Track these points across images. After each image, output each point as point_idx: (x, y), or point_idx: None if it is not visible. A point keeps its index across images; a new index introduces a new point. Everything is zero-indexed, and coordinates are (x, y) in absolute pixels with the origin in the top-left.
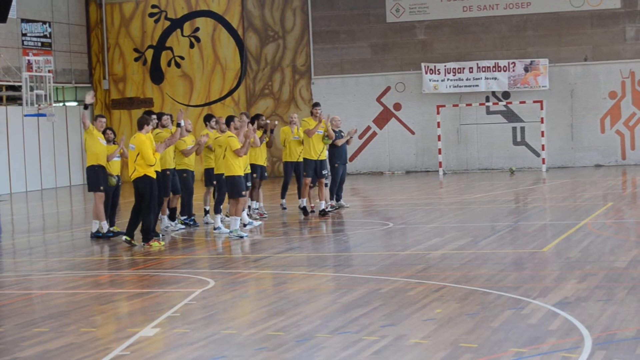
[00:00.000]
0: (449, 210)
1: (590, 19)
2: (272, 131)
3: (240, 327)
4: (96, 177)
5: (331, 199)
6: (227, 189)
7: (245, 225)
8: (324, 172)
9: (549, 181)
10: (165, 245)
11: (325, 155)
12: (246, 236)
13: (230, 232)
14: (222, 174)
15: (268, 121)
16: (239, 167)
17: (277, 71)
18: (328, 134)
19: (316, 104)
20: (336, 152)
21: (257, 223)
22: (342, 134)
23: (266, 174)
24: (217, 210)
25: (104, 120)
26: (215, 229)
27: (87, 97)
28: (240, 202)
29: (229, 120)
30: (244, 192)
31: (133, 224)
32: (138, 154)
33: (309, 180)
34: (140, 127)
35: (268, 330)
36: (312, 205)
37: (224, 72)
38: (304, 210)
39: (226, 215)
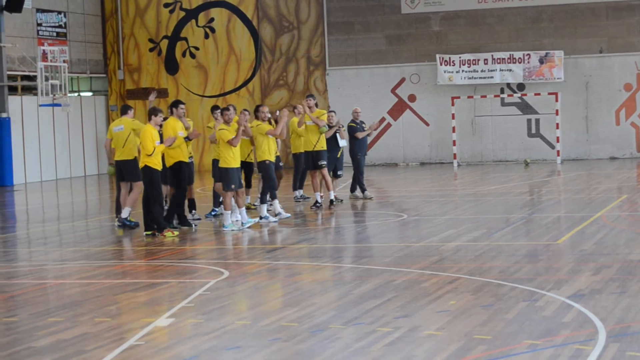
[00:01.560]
0: (464, 202)
1: (605, 11)
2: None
3: (254, 318)
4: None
5: (353, 191)
6: (223, 181)
7: (276, 215)
8: (320, 163)
9: (564, 173)
10: (179, 236)
11: (322, 145)
12: (247, 225)
13: (225, 227)
14: (265, 161)
15: (277, 112)
16: (233, 159)
17: (291, 62)
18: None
19: (310, 95)
20: (357, 144)
21: (285, 215)
22: (363, 125)
23: (281, 164)
24: (262, 200)
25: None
26: (261, 218)
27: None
28: (228, 195)
29: (214, 109)
30: (233, 186)
31: (146, 217)
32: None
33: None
34: (149, 118)
35: (282, 321)
36: (322, 194)
37: (238, 62)
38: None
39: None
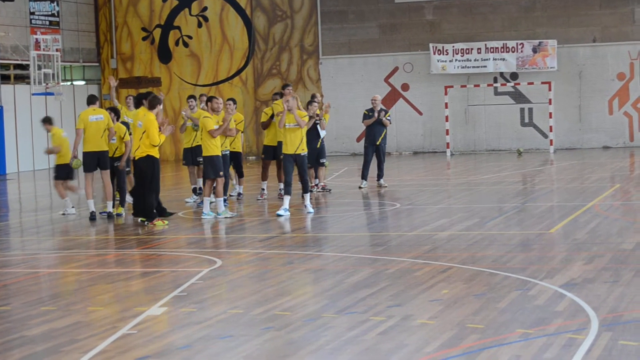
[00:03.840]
0: (457, 191)
1: (599, 0)
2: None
3: (247, 307)
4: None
5: (378, 179)
6: (205, 169)
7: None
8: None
9: (557, 162)
10: (169, 225)
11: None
12: (235, 215)
13: (219, 214)
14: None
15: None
16: (216, 147)
17: (285, 51)
18: (320, 125)
19: (286, 85)
20: (365, 133)
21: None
22: (381, 114)
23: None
24: (287, 192)
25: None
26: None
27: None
28: (219, 183)
29: (189, 98)
30: (221, 172)
31: (137, 203)
32: (144, 132)
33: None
34: (152, 106)
35: (275, 310)
36: (313, 185)
37: (231, 51)
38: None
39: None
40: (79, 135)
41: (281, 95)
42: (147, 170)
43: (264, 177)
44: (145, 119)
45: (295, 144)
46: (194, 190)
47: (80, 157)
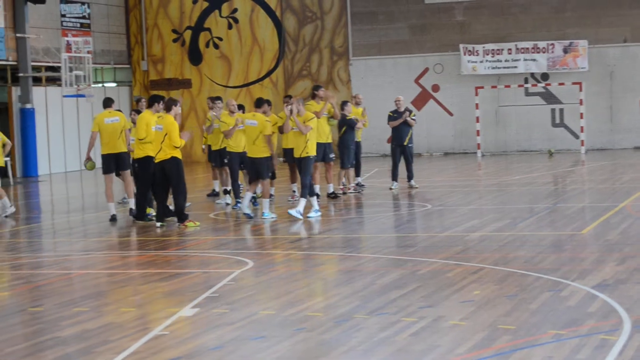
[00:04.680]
0: (488, 192)
1: (629, 0)
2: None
3: (279, 308)
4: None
5: (409, 180)
6: (260, 170)
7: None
8: (331, 155)
9: (588, 163)
10: (201, 226)
11: (331, 138)
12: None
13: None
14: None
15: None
16: (266, 149)
17: (315, 52)
18: (333, 116)
19: (318, 87)
20: (392, 135)
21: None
22: (405, 115)
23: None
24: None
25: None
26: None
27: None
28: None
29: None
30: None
31: (161, 206)
32: (166, 135)
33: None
34: (169, 108)
35: (307, 311)
36: (342, 187)
37: (262, 53)
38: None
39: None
40: (93, 137)
41: (312, 97)
42: (173, 172)
43: (293, 179)
44: (165, 121)
45: (300, 147)
46: (225, 192)
47: (99, 160)
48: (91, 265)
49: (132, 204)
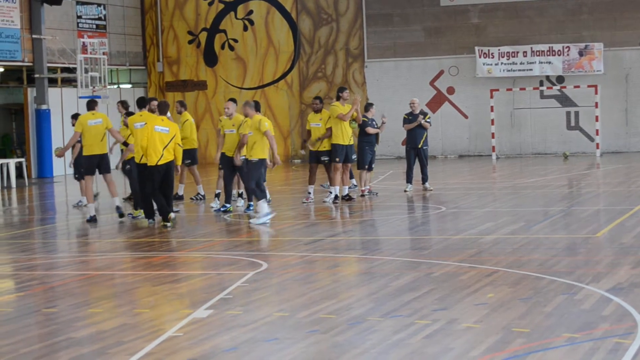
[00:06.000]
0: (502, 194)
1: None
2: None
3: (292, 310)
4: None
5: (423, 182)
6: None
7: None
8: (353, 157)
9: (603, 166)
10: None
11: (353, 139)
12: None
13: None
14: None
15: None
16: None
17: (330, 54)
18: (356, 119)
19: (344, 89)
20: (407, 138)
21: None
22: (420, 117)
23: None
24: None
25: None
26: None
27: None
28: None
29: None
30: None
31: (163, 206)
32: (172, 138)
33: (340, 165)
34: (163, 112)
35: (320, 313)
36: (363, 189)
37: (277, 55)
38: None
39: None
40: (74, 137)
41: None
42: (172, 174)
43: (311, 180)
44: (168, 124)
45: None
46: (239, 195)
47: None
48: (106, 266)
49: (117, 202)
